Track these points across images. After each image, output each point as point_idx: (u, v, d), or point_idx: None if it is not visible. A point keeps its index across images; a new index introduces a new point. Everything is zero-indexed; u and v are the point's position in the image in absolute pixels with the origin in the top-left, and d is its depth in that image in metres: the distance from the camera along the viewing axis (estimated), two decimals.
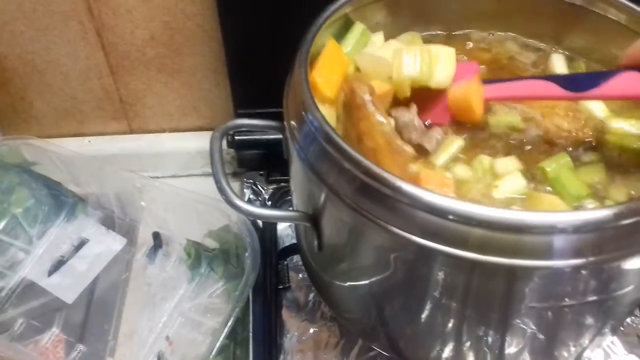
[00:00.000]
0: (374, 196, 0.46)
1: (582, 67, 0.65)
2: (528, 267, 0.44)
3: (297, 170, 0.55)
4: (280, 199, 0.87)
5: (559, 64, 0.66)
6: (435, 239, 0.44)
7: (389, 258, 0.49)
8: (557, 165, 0.55)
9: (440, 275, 0.48)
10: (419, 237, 0.45)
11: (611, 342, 0.69)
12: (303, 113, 0.51)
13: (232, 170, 0.93)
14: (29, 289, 0.80)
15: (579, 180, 0.53)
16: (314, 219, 0.55)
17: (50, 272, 0.81)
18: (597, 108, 0.61)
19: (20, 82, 0.89)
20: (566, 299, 0.48)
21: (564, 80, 0.55)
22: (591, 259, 0.43)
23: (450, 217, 0.43)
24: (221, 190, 0.56)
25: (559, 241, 0.42)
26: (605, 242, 0.43)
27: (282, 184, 0.88)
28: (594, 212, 0.42)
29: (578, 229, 0.42)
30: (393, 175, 0.45)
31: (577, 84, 0.55)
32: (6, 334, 0.75)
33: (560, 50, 0.67)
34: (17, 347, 0.73)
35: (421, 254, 0.46)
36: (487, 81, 0.59)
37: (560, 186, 0.53)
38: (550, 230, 0.42)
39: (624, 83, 0.53)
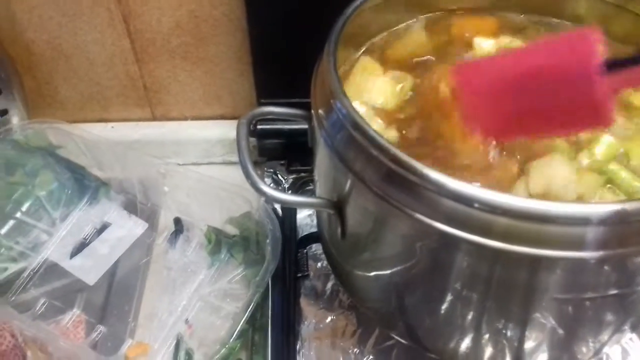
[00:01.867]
0: (400, 183, 0.46)
1: None
2: (552, 258, 0.44)
3: (323, 158, 0.56)
4: (300, 188, 0.88)
5: None
6: (460, 226, 0.45)
7: (413, 246, 0.50)
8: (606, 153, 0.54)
9: (464, 264, 0.48)
10: (444, 224, 0.45)
11: (629, 339, 0.69)
12: (331, 101, 0.51)
13: (253, 159, 0.93)
14: (51, 270, 0.81)
15: (630, 172, 0.53)
16: (338, 207, 0.55)
17: (73, 254, 0.82)
18: None
19: (46, 67, 0.90)
20: (589, 292, 0.48)
21: None
22: (617, 251, 0.43)
23: (476, 205, 0.43)
24: (248, 175, 0.57)
25: (584, 232, 0.43)
26: (631, 234, 0.43)
27: (303, 174, 0.88)
28: (621, 205, 0.42)
29: (604, 220, 0.42)
30: (420, 163, 0.45)
31: None
32: (28, 313, 0.76)
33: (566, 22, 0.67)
34: (40, 325, 0.74)
35: (445, 242, 0.47)
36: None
37: (617, 177, 0.53)
38: (576, 221, 0.42)
39: None
